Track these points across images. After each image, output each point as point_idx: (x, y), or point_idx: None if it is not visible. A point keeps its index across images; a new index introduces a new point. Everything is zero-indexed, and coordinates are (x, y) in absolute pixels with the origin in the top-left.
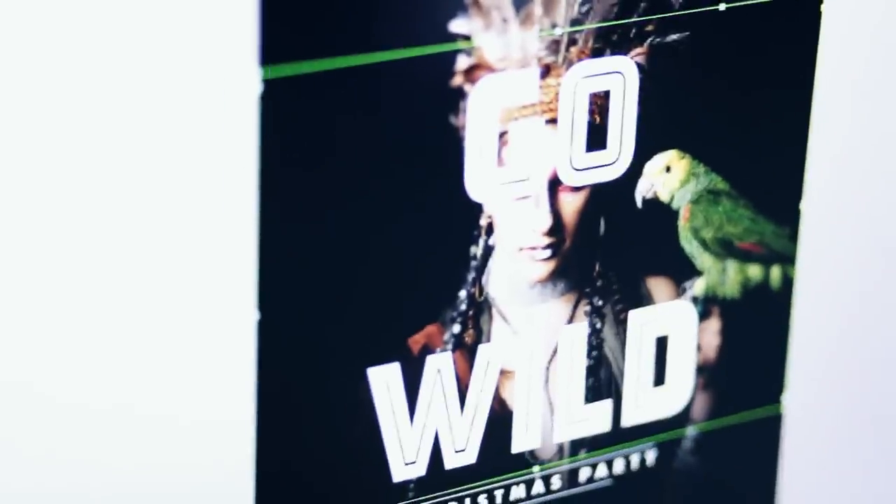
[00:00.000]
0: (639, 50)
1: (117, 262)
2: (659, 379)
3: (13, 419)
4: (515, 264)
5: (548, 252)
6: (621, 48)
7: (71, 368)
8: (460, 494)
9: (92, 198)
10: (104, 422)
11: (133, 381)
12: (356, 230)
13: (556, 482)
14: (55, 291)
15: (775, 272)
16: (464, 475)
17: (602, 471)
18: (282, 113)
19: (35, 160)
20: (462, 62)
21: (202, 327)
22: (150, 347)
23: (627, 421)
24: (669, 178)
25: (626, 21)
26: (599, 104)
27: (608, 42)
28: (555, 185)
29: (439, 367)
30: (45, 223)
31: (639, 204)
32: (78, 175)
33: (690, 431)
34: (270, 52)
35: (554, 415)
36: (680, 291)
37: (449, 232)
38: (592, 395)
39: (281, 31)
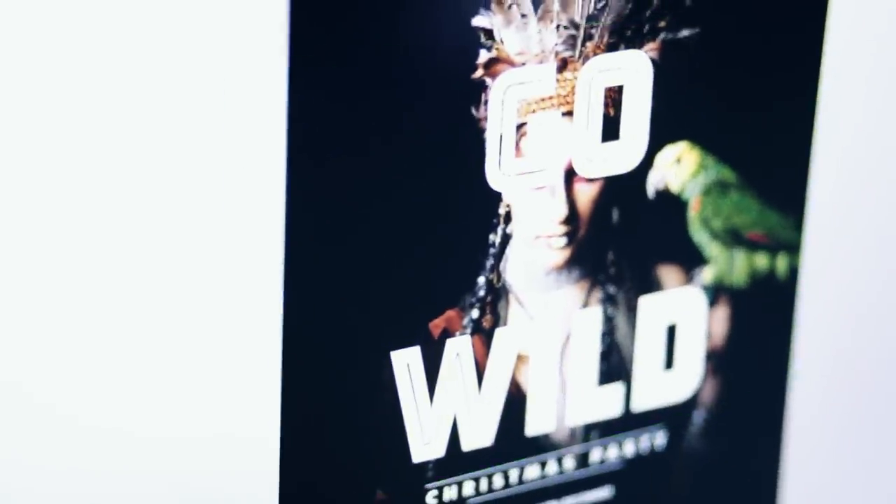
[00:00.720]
0: (652, 45)
1: (149, 243)
2: (669, 364)
3: (36, 430)
4: (532, 252)
5: (563, 240)
6: (635, 43)
7: (85, 358)
8: (477, 475)
9: (120, 181)
10: (135, 397)
11: (162, 361)
12: (380, 217)
13: (568, 464)
14: (66, 276)
15: (781, 261)
16: (480, 457)
17: (613, 453)
18: (309, 103)
19: (64, 143)
20: (483, 56)
21: (229, 311)
22: (177, 327)
23: (638, 405)
24: (680, 169)
25: (640, 17)
26: (613, 98)
27: (622, 37)
28: (570, 175)
29: (458, 350)
30: (71, 214)
31: (651, 195)
32: (105, 160)
33: (698, 416)
34: (299, 46)
35: (567, 398)
36: (689, 279)
37: (469, 220)
38: (604, 378)
39: (310, 27)
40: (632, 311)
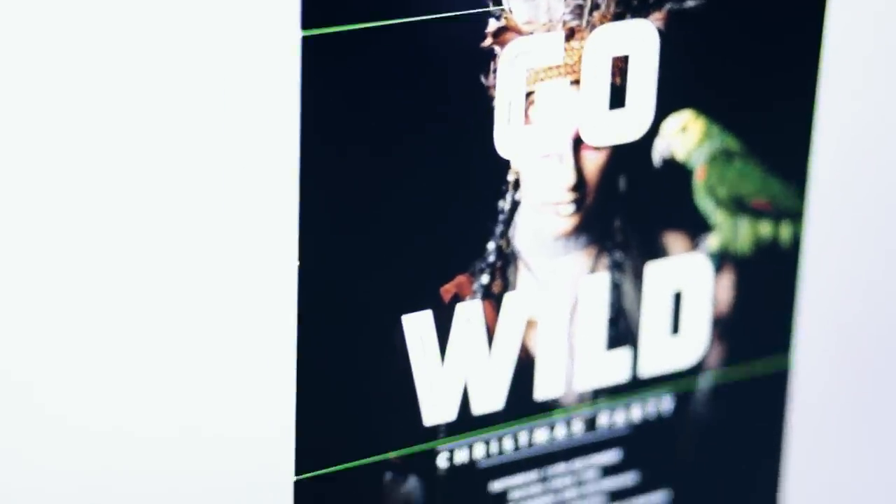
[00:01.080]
0: (658, 15)
1: (163, 206)
2: (675, 330)
3: (47, 431)
4: (540, 218)
5: (571, 207)
6: (641, 13)
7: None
8: (487, 438)
9: (131, 153)
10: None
11: (181, 331)
12: (391, 185)
13: (577, 428)
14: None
15: (785, 229)
16: (490, 420)
17: (620, 418)
18: (321, 69)
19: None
20: (492, 25)
21: (246, 274)
22: (194, 297)
23: (644, 370)
24: (686, 138)
25: None
26: (620, 67)
27: (629, 7)
28: (578, 143)
29: (469, 315)
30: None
31: (657, 163)
32: (123, 144)
33: (704, 381)
34: (311, 14)
35: (575, 362)
36: (695, 246)
37: (478, 187)
38: (612, 343)
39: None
40: (638, 277)
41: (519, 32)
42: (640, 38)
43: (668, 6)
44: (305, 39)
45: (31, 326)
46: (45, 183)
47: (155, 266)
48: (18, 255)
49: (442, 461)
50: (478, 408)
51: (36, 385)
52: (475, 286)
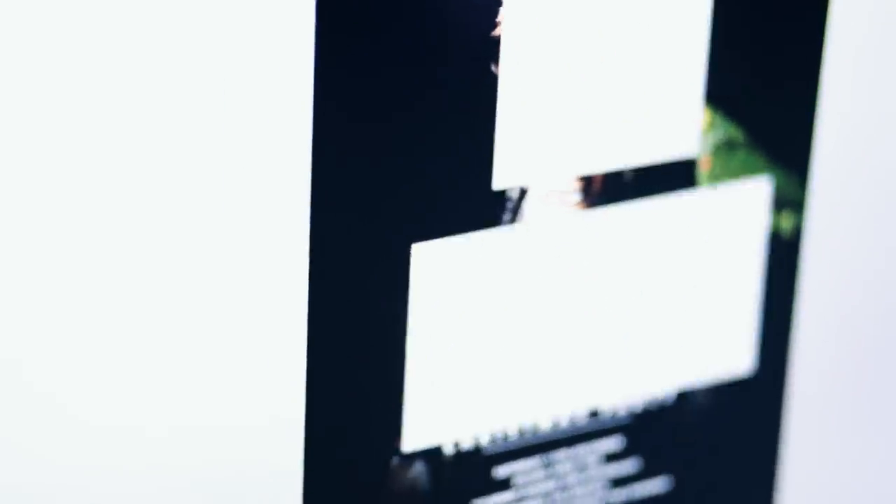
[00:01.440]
0: None
1: (175, 173)
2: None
3: (54, 426)
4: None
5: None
6: None
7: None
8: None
9: (139, 141)
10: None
11: (194, 295)
12: (402, 149)
13: (580, 415)
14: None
15: (786, 219)
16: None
17: (622, 406)
18: (335, 31)
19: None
20: (502, 14)
21: (257, 219)
22: (209, 250)
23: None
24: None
25: None
26: None
27: None
28: None
29: None
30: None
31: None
32: (134, 132)
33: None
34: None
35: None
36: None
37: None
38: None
39: None
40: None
41: None
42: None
43: None
44: (319, 23)
45: (41, 322)
46: (47, 179)
47: (164, 202)
48: (33, 252)
49: (448, 447)
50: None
51: (45, 382)
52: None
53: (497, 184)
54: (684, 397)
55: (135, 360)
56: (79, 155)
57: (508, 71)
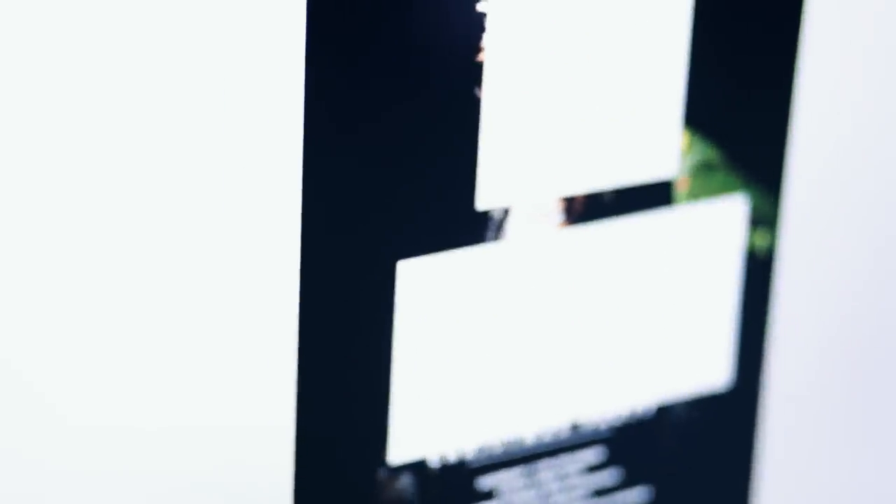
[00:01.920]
0: None
1: (169, 170)
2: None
3: (51, 427)
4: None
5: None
6: None
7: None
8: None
9: (134, 138)
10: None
11: (194, 293)
12: (387, 164)
13: (562, 427)
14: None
15: (760, 237)
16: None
17: (603, 419)
18: (323, 55)
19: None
20: (486, 40)
21: (249, 218)
22: (202, 243)
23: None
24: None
25: None
26: None
27: None
28: None
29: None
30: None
31: None
32: (130, 131)
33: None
34: (316, 30)
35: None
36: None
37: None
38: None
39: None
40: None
41: None
42: None
43: None
44: (309, 48)
45: (37, 323)
46: (46, 179)
47: (161, 197)
48: (30, 252)
49: (433, 459)
50: None
51: (42, 383)
52: None
53: (480, 204)
54: (663, 410)
55: (126, 377)
56: (70, 158)
57: (491, 95)
